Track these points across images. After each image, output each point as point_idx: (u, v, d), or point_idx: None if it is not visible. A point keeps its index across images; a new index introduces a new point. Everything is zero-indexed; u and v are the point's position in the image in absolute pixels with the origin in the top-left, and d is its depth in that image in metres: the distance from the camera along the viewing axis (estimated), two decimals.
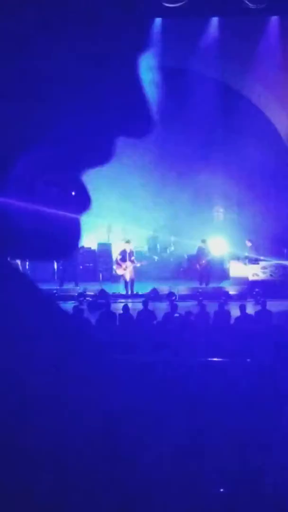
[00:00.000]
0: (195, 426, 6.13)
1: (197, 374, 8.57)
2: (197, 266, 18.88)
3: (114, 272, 18.71)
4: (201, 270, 18.70)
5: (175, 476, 1.07)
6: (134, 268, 17.99)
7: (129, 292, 17.75)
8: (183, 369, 8.80)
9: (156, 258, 20.73)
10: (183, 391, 7.42)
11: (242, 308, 12.62)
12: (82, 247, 20.51)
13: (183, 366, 8.97)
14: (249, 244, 18.82)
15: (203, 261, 18.69)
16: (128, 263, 17.87)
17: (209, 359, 9.69)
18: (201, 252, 18.79)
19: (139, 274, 18.34)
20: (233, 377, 8.61)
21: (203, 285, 18.16)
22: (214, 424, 6.36)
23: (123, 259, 17.97)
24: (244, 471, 5.62)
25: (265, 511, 5.38)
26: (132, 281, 17.84)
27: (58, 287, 18.05)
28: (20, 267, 18.64)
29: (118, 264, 18.12)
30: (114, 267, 18.40)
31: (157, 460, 1.03)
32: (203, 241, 18.89)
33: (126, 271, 17.85)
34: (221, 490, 5.28)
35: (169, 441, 1.11)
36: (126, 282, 17.84)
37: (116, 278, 18.53)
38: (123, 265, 17.89)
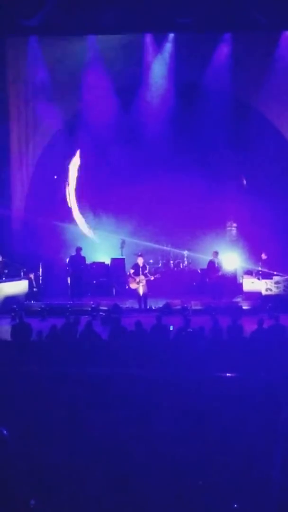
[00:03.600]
0: (207, 441, 6.10)
1: (210, 389, 8.54)
2: (207, 279, 18.82)
3: (127, 287, 18.69)
4: (213, 284, 18.60)
5: (185, 492, 1.09)
6: (148, 282, 17.97)
7: (143, 307, 17.71)
8: (196, 384, 8.77)
9: (169, 272, 20.69)
10: (196, 406, 7.39)
11: (256, 323, 12.55)
12: (95, 262, 20.49)
13: (196, 381, 8.95)
14: (264, 257, 18.68)
15: (214, 275, 18.56)
16: (141, 277, 17.86)
17: (222, 374, 9.65)
18: (212, 265, 18.66)
19: (152, 288, 18.32)
20: (246, 392, 8.57)
21: (216, 300, 18.05)
22: (227, 439, 6.33)
23: (136, 273, 17.96)
24: (256, 487, 5.59)
25: None
26: (145, 295, 17.81)
27: (71, 302, 18.05)
28: (34, 282, 18.45)
29: (131, 278, 18.11)
30: (128, 281, 18.37)
31: (166, 473, 1.05)
32: (215, 253, 18.76)
33: (139, 285, 17.84)
34: (235, 506, 5.25)
35: (180, 456, 1.13)
36: (139, 297, 17.80)
37: (130, 292, 18.50)
38: (137, 279, 17.88)
